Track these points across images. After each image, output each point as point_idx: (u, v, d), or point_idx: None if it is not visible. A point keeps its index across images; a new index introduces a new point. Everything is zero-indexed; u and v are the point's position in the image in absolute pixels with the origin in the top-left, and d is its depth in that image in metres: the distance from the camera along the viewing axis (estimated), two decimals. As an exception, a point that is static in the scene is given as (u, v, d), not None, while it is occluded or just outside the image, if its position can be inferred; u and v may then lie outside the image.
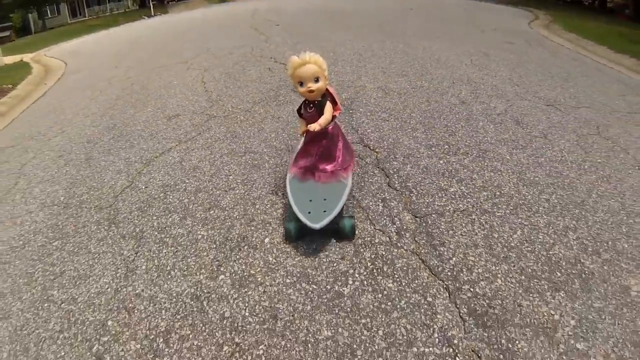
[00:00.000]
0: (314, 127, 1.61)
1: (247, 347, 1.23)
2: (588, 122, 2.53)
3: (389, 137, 2.41)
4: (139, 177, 2.27)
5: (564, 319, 1.23)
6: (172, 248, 1.69)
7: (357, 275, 1.44)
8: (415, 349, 1.17)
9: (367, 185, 1.96)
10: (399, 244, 1.57)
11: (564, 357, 1.12)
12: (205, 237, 1.73)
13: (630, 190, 1.83)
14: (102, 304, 1.46)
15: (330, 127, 1.74)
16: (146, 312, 1.40)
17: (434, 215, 1.72)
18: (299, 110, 1.78)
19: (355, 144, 2.35)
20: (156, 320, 1.36)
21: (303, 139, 1.87)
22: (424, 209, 1.76)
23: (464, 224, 1.64)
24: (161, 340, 1.29)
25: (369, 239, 1.62)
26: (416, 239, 1.59)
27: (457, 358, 1.14)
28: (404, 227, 1.66)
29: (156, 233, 1.79)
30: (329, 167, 1.76)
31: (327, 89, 1.71)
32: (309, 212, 1.56)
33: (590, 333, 1.18)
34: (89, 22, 13.92)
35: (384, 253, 1.54)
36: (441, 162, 2.10)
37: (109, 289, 1.52)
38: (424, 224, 1.67)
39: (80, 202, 2.15)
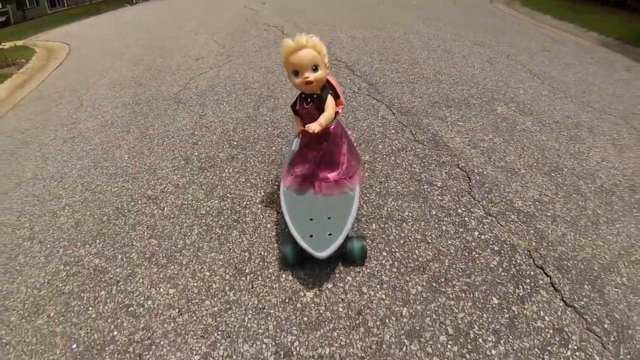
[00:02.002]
0: (314, 127, 1.42)
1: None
2: (502, 52, 4.02)
3: (354, 57, 3.91)
4: (189, 84, 3.75)
5: (451, 117, 2.75)
6: (228, 105, 3.15)
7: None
8: (369, 126, 2.69)
9: (341, 75, 3.50)
10: (360, 92, 3.07)
11: (451, 126, 2.65)
12: (247, 98, 3.20)
13: (514, 79, 3.26)
14: (187, 130, 2.91)
15: (333, 126, 1.59)
16: (219, 125, 2.86)
17: (380, 84, 3.24)
18: (293, 107, 1.64)
19: (332, 61, 3.91)
20: (226, 127, 2.82)
21: (298, 140, 1.73)
22: (374, 82, 3.28)
23: (397, 87, 3.13)
24: (232, 131, 2.78)
25: (349, 91, 3.14)
26: (369, 91, 3.10)
27: (390, 124, 2.66)
28: (363, 87, 3.16)
29: (213, 103, 3.23)
30: (331, 176, 1.62)
31: (327, 80, 1.55)
32: (311, 236, 1.42)
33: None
34: (70, 12, 15.14)
35: (351, 95, 3.05)
36: (387, 66, 3.64)
37: (189, 124, 2.96)
38: (374, 87, 3.19)
39: (147, 100, 3.57)
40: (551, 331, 1.32)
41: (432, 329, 1.35)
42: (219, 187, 2.20)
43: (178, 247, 1.82)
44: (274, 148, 2.50)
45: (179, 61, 4.47)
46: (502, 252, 1.62)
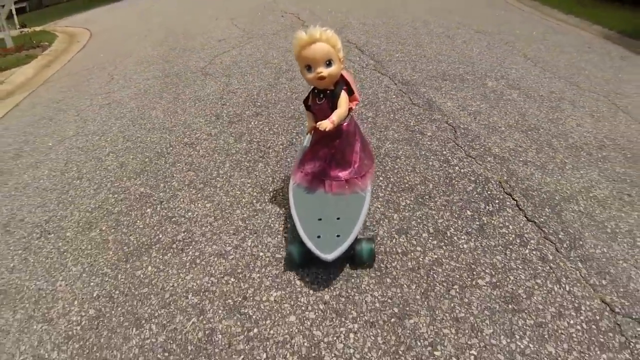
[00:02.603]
0: (326, 125, 1.43)
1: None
2: (502, 40, 4.39)
3: (364, 40, 4.34)
4: (214, 60, 4.22)
5: (446, 88, 3.16)
6: (251, 76, 3.61)
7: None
8: (374, 92, 3.12)
9: (351, 54, 3.97)
10: (367, 68, 3.51)
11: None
12: (267, 71, 3.68)
13: (508, 61, 3.67)
14: (216, 95, 3.36)
15: (346, 123, 1.59)
16: (244, 91, 3.32)
17: (385, 61, 3.68)
18: (305, 102, 1.64)
19: (344, 44, 4.37)
20: (251, 92, 3.27)
21: (309, 136, 1.76)
22: (380, 59, 3.72)
23: (400, 64, 3.55)
24: (255, 95, 3.25)
25: (357, 66, 3.61)
26: (375, 66, 3.55)
27: (391, 91, 3.10)
28: (370, 64, 3.59)
29: (238, 74, 3.70)
30: (342, 175, 1.63)
31: (341, 75, 1.54)
32: (319, 237, 1.44)
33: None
34: (87, -1, 15.72)
35: (359, 69, 3.50)
36: (392, 47, 4.07)
37: (217, 90, 3.42)
38: (380, 63, 3.63)
39: (176, 73, 4.04)
40: (513, 236, 1.74)
41: (416, 228, 1.80)
42: (246, 134, 2.68)
43: (213, 176, 2.30)
44: (292, 107, 2.97)
45: (202, 42, 4.96)
46: (477, 181, 2.07)
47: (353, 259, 1.54)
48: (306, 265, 1.56)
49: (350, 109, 1.58)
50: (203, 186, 2.22)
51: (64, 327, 1.57)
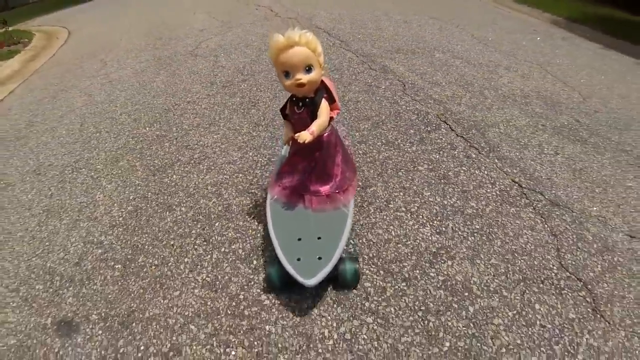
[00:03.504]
0: (305, 137, 1.37)
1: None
2: (453, 24, 5.18)
3: (331, 26, 5.07)
4: (200, 45, 4.89)
5: (399, 58, 4.07)
6: (235, 55, 4.30)
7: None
8: (340, 63, 3.94)
9: (321, 37, 4.74)
10: (334, 45, 4.24)
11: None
12: (250, 51, 4.36)
13: (456, 39, 4.54)
14: (207, 69, 4.11)
15: (326, 134, 1.57)
16: (231, 65, 4.05)
17: (349, 41, 4.42)
18: (282, 110, 1.61)
19: (313, 29, 5.22)
20: (237, 66, 4.02)
21: (287, 147, 1.73)
22: (345, 40, 4.47)
23: (362, 43, 4.30)
24: (242, 68, 4.05)
25: (325, 45, 4.44)
26: (341, 45, 4.28)
27: (354, 61, 3.89)
28: (336, 43, 4.34)
29: (224, 54, 4.36)
30: (323, 189, 1.61)
31: (322, 81, 1.50)
32: (298, 259, 1.40)
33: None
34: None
35: (328, 47, 4.21)
36: (356, 31, 4.82)
37: (207, 66, 4.12)
38: (345, 42, 4.39)
39: (167, 56, 4.68)
40: (446, 144, 2.51)
41: (372, 140, 2.57)
42: (238, 93, 3.42)
43: (215, 120, 3.03)
44: (274, 74, 3.69)
45: (185, 32, 5.67)
46: (419, 114, 2.88)
47: (336, 279, 1.51)
48: (286, 288, 1.54)
49: (331, 119, 1.54)
50: (209, 126, 2.96)
51: (108, 221, 2.19)
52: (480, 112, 2.87)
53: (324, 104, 1.51)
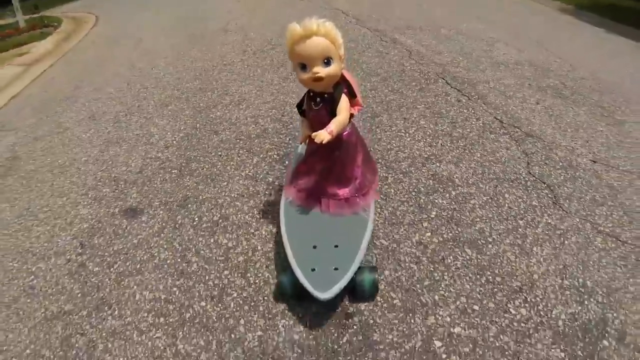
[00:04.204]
0: (323, 137, 1.33)
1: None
2: (461, 5, 5.90)
3: (348, 8, 5.71)
4: (229, 24, 5.55)
5: (408, 33, 4.73)
6: (263, 30, 4.97)
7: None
8: (356, 37, 4.61)
9: (339, 18, 5.44)
10: (350, 24, 4.89)
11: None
12: (276, 27, 5.01)
13: (462, 19, 5.09)
14: (238, 42, 4.79)
15: (346, 132, 1.52)
16: (260, 38, 4.75)
17: (364, 20, 5.06)
18: (299, 106, 1.57)
19: (332, 10, 5.95)
20: (265, 38, 4.70)
21: (303, 146, 1.72)
22: (360, 19, 5.11)
23: (375, 21, 4.91)
24: (269, 39, 4.73)
25: (343, 23, 5.15)
26: (357, 23, 4.94)
27: (367, 36, 4.58)
28: (353, 21, 4.98)
29: (253, 29, 5.06)
30: (341, 192, 1.57)
31: (342, 76, 1.45)
32: (313, 270, 1.35)
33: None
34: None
35: (345, 24, 4.89)
36: (371, 11, 5.49)
37: (238, 40, 4.84)
38: (360, 21, 5.04)
39: (199, 34, 5.33)
40: (442, 92, 3.11)
41: (381, 89, 3.20)
42: (267, 58, 4.06)
43: (250, 76, 3.67)
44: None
45: (214, 14, 6.34)
46: (421, 72, 3.52)
47: (353, 291, 1.47)
48: (299, 297, 1.49)
49: (351, 115, 1.49)
50: (244, 80, 3.62)
51: (163, 144, 2.83)
52: (474, 73, 3.49)
53: (344, 100, 1.44)
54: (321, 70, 1.35)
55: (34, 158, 2.91)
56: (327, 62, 1.36)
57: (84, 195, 2.44)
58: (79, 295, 1.79)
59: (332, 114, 1.43)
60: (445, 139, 2.56)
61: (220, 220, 2.10)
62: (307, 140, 1.60)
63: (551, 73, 3.53)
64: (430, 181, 2.23)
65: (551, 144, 2.53)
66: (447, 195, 2.13)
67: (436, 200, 2.10)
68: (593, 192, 2.15)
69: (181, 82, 3.82)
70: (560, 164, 2.35)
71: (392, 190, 2.17)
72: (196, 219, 2.13)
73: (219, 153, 2.62)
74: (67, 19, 9.77)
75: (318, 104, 1.47)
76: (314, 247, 1.47)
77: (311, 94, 1.50)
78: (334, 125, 1.39)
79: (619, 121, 2.77)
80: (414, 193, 2.16)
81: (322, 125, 1.40)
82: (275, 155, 2.52)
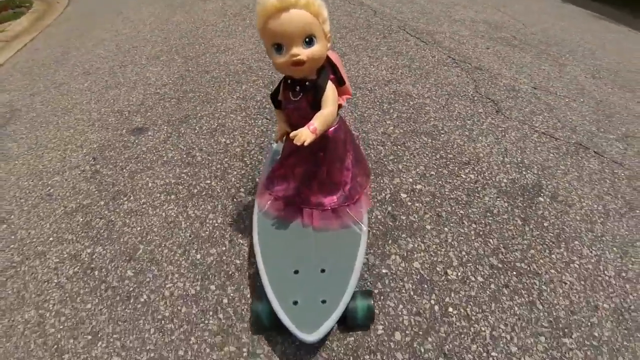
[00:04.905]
0: (305, 136, 1.07)
1: None
2: None
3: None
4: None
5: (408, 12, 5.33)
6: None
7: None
8: (358, 15, 5.18)
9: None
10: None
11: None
12: None
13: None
14: (216, 8, 5.32)
15: (333, 128, 1.27)
16: (236, 3, 5.29)
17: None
18: (273, 97, 1.29)
19: None
20: (243, 4, 5.19)
21: (279, 144, 1.50)
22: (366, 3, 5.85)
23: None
24: (246, 6, 5.22)
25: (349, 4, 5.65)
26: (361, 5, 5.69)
27: (368, 12, 5.20)
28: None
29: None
30: (327, 201, 1.32)
31: (327, 58, 1.19)
32: (295, 302, 1.12)
33: None
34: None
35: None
36: None
37: (216, 7, 5.27)
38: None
39: (179, 4, 5.83)
40: (402, 39, 3.68)
41: (349, 37, 3.76)
42: (247, 19, 4.52)
43: (233, 32, 4.15)
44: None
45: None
46: (384, 25, 4.02)
47: (345, 319, 1.20)
48: (280, 328, 1.18)
49: (339, 107, 1.23)
50: (228, 35, 4.07)
51: (160, 83, 3.24)
52: (433, 26, 4.07)
53: (331, 89, 1.19)
54: (302, 52, 1.09)
55: (33, 109, 3.15)
56: (309, 41, 1.10)
57: (90, 125, 2.81)
58: (96, 192, 2.14)
59: (316, 106, 1.18)
60: (404, 70, 3.11)
61: (219, 127, 2.58)
62: (285, 138, 1.34)
63: (504, 29, 4.14)
64: (392, 95, 2.78)
65: (497, 75, 3.10)
66: (406, 104, 2.68)
67: (397, 107, 2.64)
68: (532, 107, 2.72)
69: (169, 40, 4.22)
70: (505, 88, 2.92)
71: (360, 102, 2.70)
72: (197, 128, 2.60)
73: (212, 85, 3.09)
74: (37, 1, 9.98)
75: (298, 93, 1.21)
76: (295, 272, 1.23)
77: (289, 81, 1.23)
78: (318, 122, 1.13)
79: (562, 64, 3.40)
80: (378, 103, 2.70)
81: (303, 119, 1.16)
82: (260, 83, 3.01)
